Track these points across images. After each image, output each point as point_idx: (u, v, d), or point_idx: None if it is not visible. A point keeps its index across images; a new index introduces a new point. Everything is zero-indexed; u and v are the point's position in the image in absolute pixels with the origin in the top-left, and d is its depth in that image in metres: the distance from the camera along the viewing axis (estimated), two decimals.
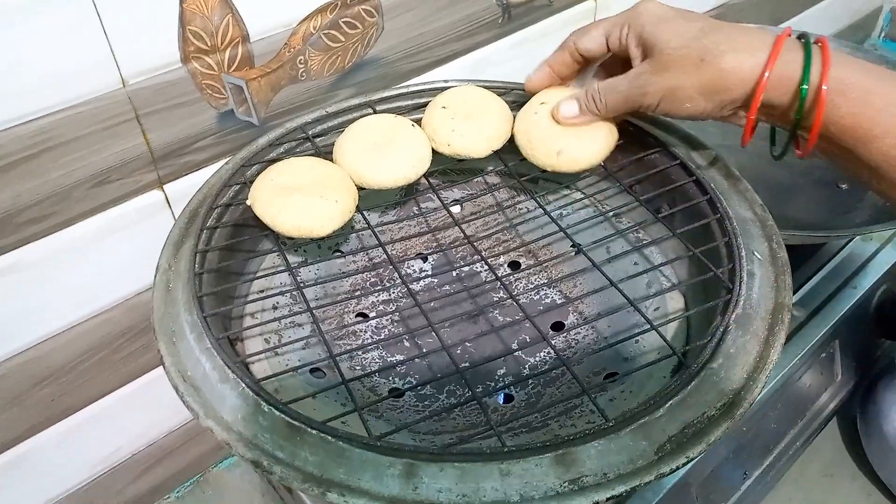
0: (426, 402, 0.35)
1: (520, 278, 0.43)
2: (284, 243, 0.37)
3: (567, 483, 0.24)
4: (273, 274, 0.37)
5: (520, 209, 0.45)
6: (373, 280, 0.42)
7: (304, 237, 0.34)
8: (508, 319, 0.40)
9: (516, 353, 0.37)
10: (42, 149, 0.37)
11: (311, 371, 0.35)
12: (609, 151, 0.38)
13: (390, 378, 0.37)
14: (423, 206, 0.45)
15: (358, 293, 0.42)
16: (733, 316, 0.30)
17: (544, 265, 0.43)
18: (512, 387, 0.36)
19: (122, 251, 0.43)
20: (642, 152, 0.40)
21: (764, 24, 0.77)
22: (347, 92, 0.48)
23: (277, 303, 0.38)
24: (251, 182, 0.36)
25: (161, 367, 0.29)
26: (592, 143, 0.37)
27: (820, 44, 0.30)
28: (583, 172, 0.40)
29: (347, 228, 0.36)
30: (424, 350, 0.38)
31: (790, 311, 0.31)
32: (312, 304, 0.32)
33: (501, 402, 0.36)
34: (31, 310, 0.41)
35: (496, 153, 0.39)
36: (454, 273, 0.42)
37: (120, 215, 0.42)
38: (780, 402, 0.50)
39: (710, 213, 0.35)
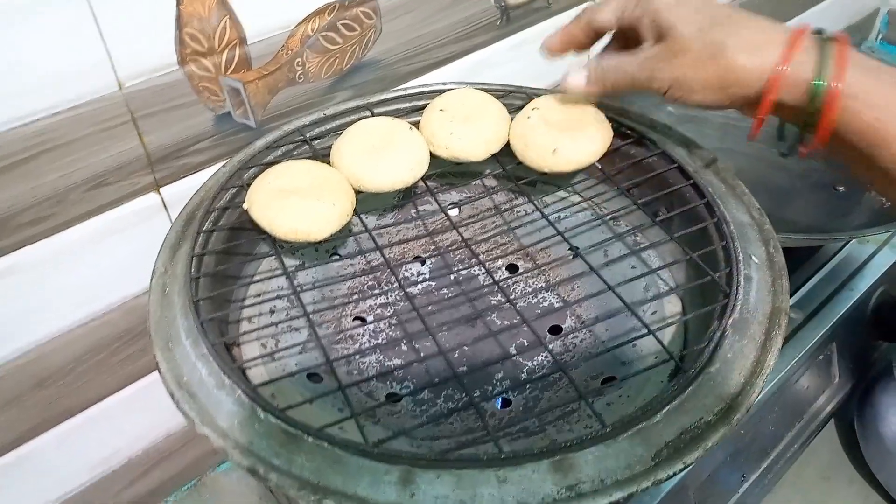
0: (423, 407, 0.35)
1: (518, 282, 0.43)
2: (282, 246, 0.37)
3: (564, 489, 0.24)
4: (270, 278, 0.37)
5: (518, 212, 0.45)
6: (370, 283, 0.42)
7: (301, 241, 0.34)
8: (506, 323, 0.39)
9: (514, 357, 0.37)
10: (39, 151, 0.37)
11: (309, 376, 0.35)
12: (603, 150, 0.38)
13: (388, 382, 0.37)
14: (421, 209, 0.45)
15: (355, 297, 0.41)
16: (730, 320, 0.30)
17: (542, 269, 0.43)
18: (510, 391, 0.36)
19: (119, 254, 0.43)
20: (640, 155, 0.40)
21: None
22: (345, 94, 0.48)
23: (275, 307, 0.38)
24: (248, 185, 0.36)
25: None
26: (587, 142, 0.37)
27: (838, 41, 0.29)
28: (578, 172, 0.40)
29: (345, 232, 0.36)
30: (422, 354, 0.37)
31: (787, 316, 0.31)
32: (310, 308, 0.32)
33: (499, 406, 0.36)
34: (29, 312, 0.41)
35: (494, 156, 0.39)
36: (452, 276, 0.42)
37: (117, 218, 0.42)
38: (777, 405, 0.50)
39: (708, 217, 0.35)
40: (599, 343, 0.38)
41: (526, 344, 0.38)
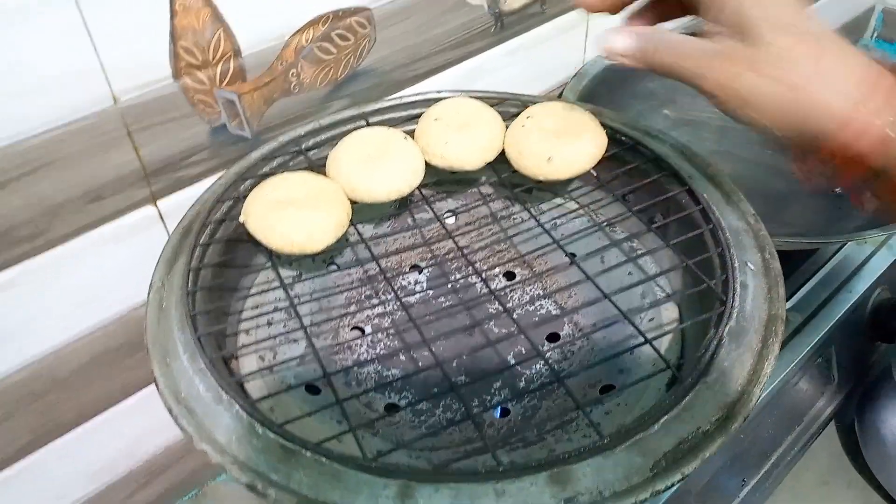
0: (422, 417, 0.35)
1: (515, 289, 0.43)
2: (278, 257, 0.37)
3: (563, 502, 0.24)
4: (268, 290, 0.37)
5: (514, 220, 0.45)
6: (368, 293, 0.42)
7: (297, 253, 0.34)
8: (504, 331, 0.40)
9: (512, 366, 0.37)
10: (36, 166, 0.37)
11: (308, 388, 0.35)
12: (598, 157, 0.38)
13: (386, 393, 0.37)
14: (417, 217, 0.45)
15: (353, 307, 0.41)
16: (726, 329, 0.30)
17: (540, 276, 0.43)
18: (508, 401, 0.36)
19: (117, 266, 0.43)
20: (635, 162, 0.40)
21: None
22: (341, 103, 0.48)
23: (272, 319, 0.38)
24: (244, 197, 0.36)
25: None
26: (582, 150, 0.37)
27: None
28: (574, 179, 0.40)
29: (342, 242, 0.36)
30: (421, 364, 0.37)
31: (784, 323, 0.31)
32: (307, 320, 0.32)
33: (498, 416, 0.36)
34: (27, 325, 0.41)
35: (489, 164, 0.39)
36: (449, 285, 0.42)
37: (114, 231, 0.42)
38: (776, 409, 0.50)
39: (703, 224, 0.35)
40: (597, 351, 0.38)
41: (524, 352, 0.38)
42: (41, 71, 0.35)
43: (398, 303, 0.41)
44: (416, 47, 0.50)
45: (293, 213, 0.34)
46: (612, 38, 0.30)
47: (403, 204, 0.44)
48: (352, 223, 0.36)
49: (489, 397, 0.37)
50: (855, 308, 0.54)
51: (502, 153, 0.39)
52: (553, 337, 0.40)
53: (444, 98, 0.42)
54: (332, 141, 0.41)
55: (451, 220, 0.46)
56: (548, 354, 0.38)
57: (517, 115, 0.40)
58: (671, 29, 0.30)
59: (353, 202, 0.37)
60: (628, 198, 0.40)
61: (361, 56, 0.47)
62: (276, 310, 0.36)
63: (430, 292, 0.42)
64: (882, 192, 0.29)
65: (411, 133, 0.40)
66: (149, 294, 0.33)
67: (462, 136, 0.39)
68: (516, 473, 0.25)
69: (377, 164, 0.37)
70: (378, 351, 0.39)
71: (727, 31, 0.27)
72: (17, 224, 0.38)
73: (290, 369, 0.36)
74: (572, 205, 0.44)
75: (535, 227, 0.39)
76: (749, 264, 0.33)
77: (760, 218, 0.36)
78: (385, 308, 0.41)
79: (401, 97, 0.44)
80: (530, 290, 0.42)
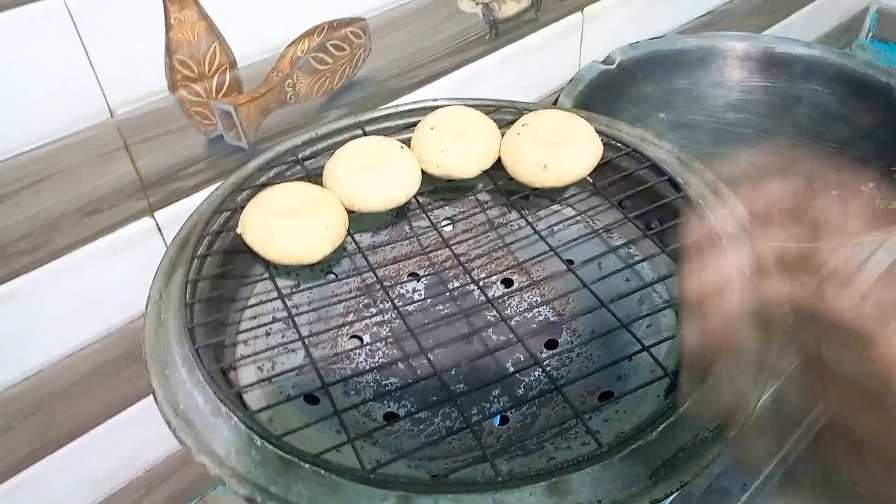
0: (421, 426, 0.35)
1: (513, 297, 0.43)
2: (276, 268, 0.37)
3: None
4: (265, 302, 0.37)
5: (512, 227, 0.45)
6: (366, 302, 0.42)
7: (294, 264, 0.34)
8: (503, 339, 0.40)
9: (511, 374, 0.37)
10: (34, 180, 0.37)
11: (307, 398, 0.35)
12: (594, 164, 0.38)
13: (385, 402, 0.37)
14: (415, 225, 0.45)
15: (351, 316, 0.42)
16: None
17: (537, 283, 0.43)
18: (507, 409, 0.36)
19: (115, 278, 0.43)
20: (631, 168, 0.40)
21: (752, 30, 0.78)
22: (337, 112, 0.48)
23: (270, 329, 0.38)
24: (242, 208, 0.36)
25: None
26: (577, 157, 0.37)
27: None
28: (570, 186, 0.40)
29: (339, 251, 0.36)
30: (419, 373, 0.38)
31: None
32: (306, 329, 0.32)
33: (497, 423, 0.36)
34: (27, 338, 0.41)
35: (486, 172, 0.40)
36: (448, 293, 0.42)
37: (112, 243, 0.42)
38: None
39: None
40: (596, 358, 0.38)
41: (522, 360, 0.38)
42: (38, 86, 0.35)
43: (396, 312, 0.41)
44: (412, 56, 0.50)
45: (290, 224, 0.34)
46: None
47: (401, 212, 0.44)
48: (349, 232, 0.36)
49: (488, 405, 0.37)
50: None
51: (498, 161, 0.40)
52: (551, 344, 0.40)
53: (440, 106, 0.42)
54: (329, 150, 0.41)
55: (448, 228, 0.46)
56: (546, 362, 0.38)
57: (513, 122, 0.40)
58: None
59: (350, 211, 0.37)
60: (625, 204, 0.40)
61: (357, 66, 0.47)
62: (274, 320, 0.36)
63: (429, 300, 0.42)
64: None
65: (407, 142, 0.40)
66: (147, 306, 0.33)
67: (458, 145, 0.39)
68: (515, 483, 0.25)
69: (373, 173, 0.37)
70: (376, 360, 0.39)
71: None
72: (17, 237, 0.38)
73: (288, 380, 0.36)
74: (569, 211, 0.44)
75: (532, 235, 0.39)
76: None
77: None
78: (383, 317, 0.41)
79: (396, 106, 0.44)
80: (528, 298, 0.43)
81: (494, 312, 0.40)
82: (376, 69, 0.49)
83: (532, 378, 0.38)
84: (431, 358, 0.31)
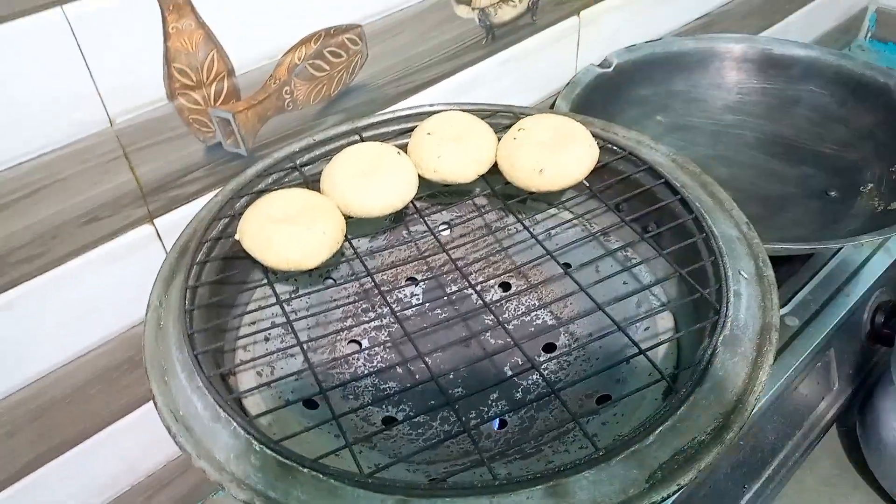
0: (419, 430, 0.36)
1: (510, 300, 0.43)
2: (275, 273, 0.38)
3: None
4: (264, 307, 0.37)
5: (509, 230, 0.45)
6: (364, 307, 0.43)
7: (293, 269, 0.35)
8: (500, 343, 0.40)
9: (509, 378, 0.38)
10: (34, 189, 0.37)
11: (306, 402, 0.36)
12: (590, 168, 0.38)
13: (384, 406, 0.37)
14: (413, 229, 0.45)
15: (349, 321, 0.42)
16: (721, 338, 0.30)
17: (535, 287, 0.43)
18: (505, 413, 0.36)
19: (115, 285, 0.43)
20: (628, 171, 0.40)
21: (751, 32, 0.78)
22: (335, 119, 0.48)
23: (269, 334, 0.38)
24: (240, 214, 0.36)
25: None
26: (573, 161, 0.38)
27: None
28: (566, 189, 0.40)
29: (338, 255, 0.36)
30: (417, 377, 0.38)
31: (778, 331, 0.31)
32: (304, 334, 0.33)
33: (496, 427, 0.36)
34: (28, 346, 0.42)
35: (483, 177, 0.40)
36: (445, 297, 0.42)
37: (112, 250, 0.42)
38: (777, 414, 0.50)
39: (696, 232, 0.35)
40: (593, 361, 0.38)
41: (520, 363, 0.38)
42: (38, 95, 0.35)
43: (394, 316, 0.41)
44: (408, 61, 0.51)
45: (288, 230, 0.34)
46: None
47: (398, 217, 0.45)
48: (347, 238, 0.36)
49: (486, 409, 0.37)
50: (853, 312, 0.54)
51: (495, 165, 0.40)
52: (549, 347, 0.40)
53: (437, 112, 0.42)
54: (327, 156, 0.41)
55: (446, 233, 0.46)
56: (543, 366, 0.39)
57: (509, 126, 0.41)
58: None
59: (347, 217, 0.37)
60: (622, 207, 0.40)
61: (354, 72, 0.48)
62: (273, 326, 0.36)
63: (427, 305, 0.42)
64: None
65: (404, 147, 0.40)
66: (147, 313, 0.33)
67: (455, 150, 0.39)
68: (512, 487, 0.25)
69: (371, 178, 0.37)
70: (375, 364, 0.39)
71: None
72: (18, 246, 0.38)
73: (288, 384, 0.36)
74: (566, 215, 0.44)
75: (529, 238, 0.39)
76: (742, 273, 0.33)
77: (756, 222, 0.36)
78: (381, 322, 0.42)
79: (393, 111, 0.45)
80: (526, 301, 0.43)
81: (492, 316, 0.41)
82: (373, 75, 0.49)
83: (530, 382, 0.38)
84: (429, 362, 0.31)
